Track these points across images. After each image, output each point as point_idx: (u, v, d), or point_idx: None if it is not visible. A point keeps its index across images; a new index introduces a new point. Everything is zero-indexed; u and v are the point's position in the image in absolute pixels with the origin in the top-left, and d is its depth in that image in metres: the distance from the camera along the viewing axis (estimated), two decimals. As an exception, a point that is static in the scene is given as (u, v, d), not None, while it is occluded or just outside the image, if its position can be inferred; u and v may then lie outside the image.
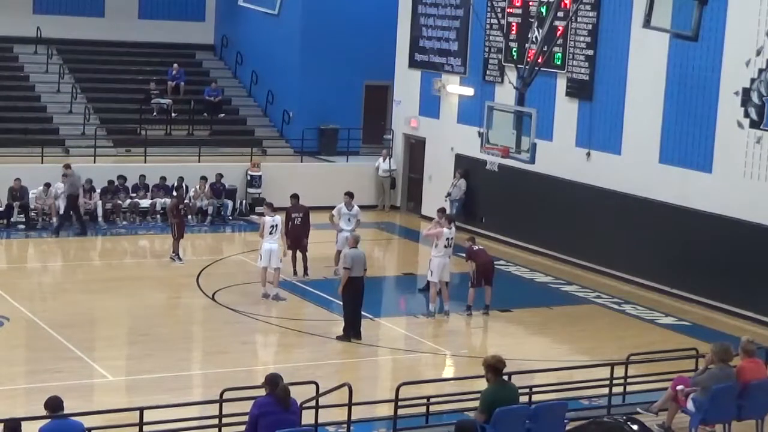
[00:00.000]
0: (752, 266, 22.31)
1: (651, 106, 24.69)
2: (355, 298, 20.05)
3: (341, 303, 20.36)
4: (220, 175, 30.20)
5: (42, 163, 29.66)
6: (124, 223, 29.20)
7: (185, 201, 26.83)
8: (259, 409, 12.28)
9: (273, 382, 12.41)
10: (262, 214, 24.33)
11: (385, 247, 29.11)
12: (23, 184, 28.02)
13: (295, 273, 24.23)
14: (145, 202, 29.65)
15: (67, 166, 28.09)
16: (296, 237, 24.13)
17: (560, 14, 25.75)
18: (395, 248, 29.52)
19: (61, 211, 27.88)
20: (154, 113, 33.78)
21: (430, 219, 26.98)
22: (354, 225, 24.33)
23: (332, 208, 24.93)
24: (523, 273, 26.13)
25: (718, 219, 23.07)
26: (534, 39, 25.79)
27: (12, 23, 34.78)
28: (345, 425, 14.70)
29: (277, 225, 22.47)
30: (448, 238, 21.86)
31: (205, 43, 38.00)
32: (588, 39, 26.22)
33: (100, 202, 28.96)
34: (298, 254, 24.35)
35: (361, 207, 25.61)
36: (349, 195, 24.62)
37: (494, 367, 12.92)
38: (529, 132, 22.22)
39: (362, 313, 20.34)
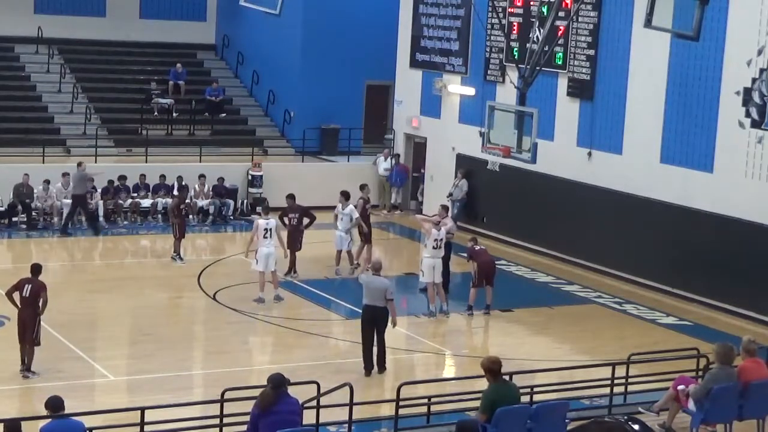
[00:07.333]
0: (753, 266, 22.29)
1: (652, 106, 24.68)
2: (362, 326, 18.27)
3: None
4: (222, 179, 30.27)
5: (43, 163, 29.67)
6: (125, 222, 29.21)
7: (186, 201, 26.83)
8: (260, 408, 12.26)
9: (269, 382, 12.33)
10: (260, 215, 24.23)
11: (386, 246, 29.07)
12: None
13: (288, 272, 24.21)
14: (146, 202, 29.66)
15: (79, 164, 27.99)
16: (291, 237, 24.09)
17: (561, 14, 25.74)
18: (396, 248, 29.47)
19: (65, 211, 27.91)
20: (155, 113, 33.78)
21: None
22: (348, 224, 24.37)
23: (333, 207, 24.97)
24: (524, 273, 26.12)
25: (719, 219, 23.06)
26: (535, 39, 25.78)
27: (13, 23, 34.77)
28: (346, 425, 14.71)
29: (271, 228, 22.38)
30: (436, 239, 21.83)
31: (207, 42, 37.99)
32: (589, 39, 26.22)
33: (101, 202, 28.96)
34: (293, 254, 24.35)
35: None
36: (344, 195, 24.66)
37: (489, 369, 12.91)
38: (531, 132, 22.18)
39: (382, 342, 18.37)
